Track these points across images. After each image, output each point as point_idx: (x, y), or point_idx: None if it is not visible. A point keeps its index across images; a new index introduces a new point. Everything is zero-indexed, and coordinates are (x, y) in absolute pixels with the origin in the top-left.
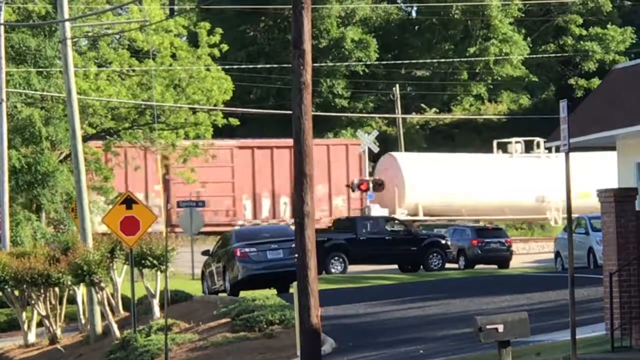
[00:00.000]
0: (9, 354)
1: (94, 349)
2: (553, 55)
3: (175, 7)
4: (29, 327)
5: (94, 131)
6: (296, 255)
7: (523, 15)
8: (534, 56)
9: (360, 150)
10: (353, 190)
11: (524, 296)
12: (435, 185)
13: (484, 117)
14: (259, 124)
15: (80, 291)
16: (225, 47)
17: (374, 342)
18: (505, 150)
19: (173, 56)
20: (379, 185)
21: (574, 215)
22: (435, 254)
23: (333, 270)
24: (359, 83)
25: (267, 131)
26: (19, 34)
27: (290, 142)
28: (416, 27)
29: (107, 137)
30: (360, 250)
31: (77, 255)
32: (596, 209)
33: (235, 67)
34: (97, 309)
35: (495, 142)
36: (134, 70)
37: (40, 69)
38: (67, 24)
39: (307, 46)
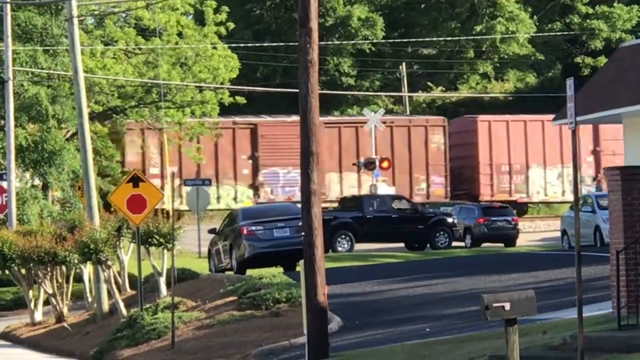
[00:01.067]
0: (16, 332)
1: (100, 327)
2: (559, 33)
3: None
4: (35, 305)
5: (101, 109)
6: (303, 233)
7: None
8: (541, 34)
9: (366, 128)
10: (360, 169)
11: (531, 274)
12: None
13: (491, 95)
14: (266, 102)
15: (87, 269)
16: (231, 25)
17: (381, 320)
18: None
19: (179, 34)
20: (382, 161)
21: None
22: (441, 232)
23: (340, 249)
24: (365, 61)
25: (274, 109)
26: (26, 12)
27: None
28: (422, 6)
29: (114, 115)
30: (367, 229)
31: (84, 233)
32: None
33: (241, 45)
34: (104, 287)
35: None
36: (140, 49)
37: (47, 48)
38: (74, 2)
39: (314, 24)
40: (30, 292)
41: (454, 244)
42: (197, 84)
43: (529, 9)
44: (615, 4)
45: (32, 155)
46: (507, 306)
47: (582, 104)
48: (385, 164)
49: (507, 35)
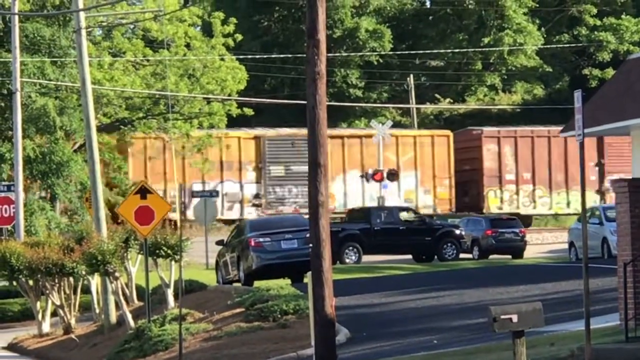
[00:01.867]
0: (23, 343)
1: (108, 339)
2: (567, 45)
3: None
4: (43, 316)
5: (108, 121)
6: (310, 245)
7: (537, 5)
8: (548, 46)
9: (374, 141)
10: (367, 181)
11: (538, 286)
12: None
13: (498, 107)
14: (273, 114)
15: (95, 281)
16: (239, 37)
17: (388, 332)
18: None
19: (187, 46)
20: (393, 175)
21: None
22: (449, 244)
23: (347, 260)
24: (373, 73)
25: (281, 121)
26: (34, 23)
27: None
28: (430, 17)
29: (122, 127)
30: (375, 241)
31: (92, 244)
32: None
33: (249, 57)
34: (112, 299)
35: None
36: (148, 60)
37: (55, 59)
38: (82, 14)
39: (322, 36)
40: (38, 304)
41: (462, 255)
42: (205, 96)
43: (537, 21)
44: (623, 16)
45: (40, 166)
46: (515, 318)
47: (589, 116)
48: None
49: (514, 47)
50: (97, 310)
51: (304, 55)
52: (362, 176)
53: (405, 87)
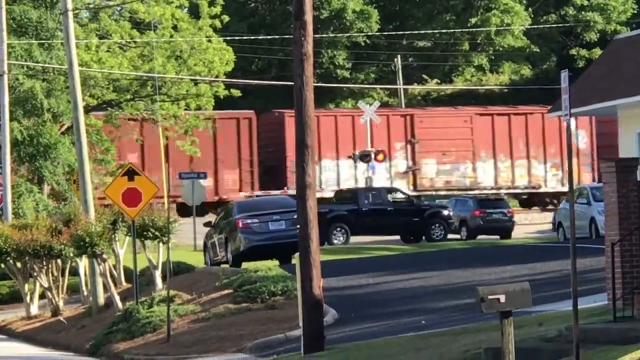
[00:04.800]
0: (12, 325)
1: (96, 321)
2: (554, 25)
3: None
4: (31, 299)
5: (96, 103)
6: (298, 226)
7: None
8: (535, 26)
9: (361, 121)
10: (355, 162)
11: (526, 266)
12: None
13: (486, 87)
14: (261, 95)
15: (83, 263)
16: (226, 18)
17: (376, 313)
18: None
19: (174, 27)
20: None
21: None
22: (437, 225)
23: (335, 242)
24: (360, 54)
25: (269, 102)
26: (20, 5)
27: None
28: None
29: (109, 108)
30: (362, 221)
31: (79, 227)
32: None
33: (236, 38)
34: (100, 281)
35: None
36: (135, 42)
37: (42, 41)
38: None
39: (309, 17)
40: (26, 286)
41: (450, 236)
42: (192, 77)
43: (524, 1)
44: None
45: (28, 149)
46: (503, 298)
47: (577, 96)
48: (380, 157)
49: (502, 28)
50: (85, 293)
51: (291, 37)
52: (350, 157)
53: (393, 67)
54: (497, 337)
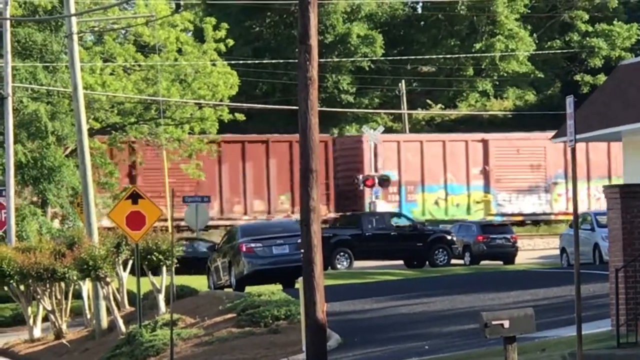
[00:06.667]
0: (15, 348)
1: (99, 344)
2: (559, 51)
3: (181, 2)
4: (34, 322)
5: (100, 126)
6: (302, 250)
7: (529, 11)
8: (540, 52)
9: (364, 146)
10: (359, 187)
11: (530, 292)
12: None
13: (490, 113)
14: (265, 119)
15: (86, 286)
16: (231, 42)
17: (380, 338)
18: None
19: (179, 51)
20: (384, 181)
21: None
22: (440, 250)
23: (339, 266)
24: (364, 79)
25: (273, 127)
26: (25, 28)
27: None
28: (422, 23)
29: (113, 132)
30: (366, 246)
31: (83, 250)
32: None
33: (241, 62)
34: (103, 304)
35: None
36: (139, 65)
37: (47, 64)
38: (74, 19)
39: (314, 42)
40: (29, 309)
41: (453, 261)
42: (197, 101)
43: (529, 27)
44: (614, 22)
45: (32, 171)
46: (506, 324)
47: (581, 121)
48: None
49: (506, 53)
50: (89, 316)
51: (296, 61)
52: (353, 182)
53: (397, 92)
54: None
